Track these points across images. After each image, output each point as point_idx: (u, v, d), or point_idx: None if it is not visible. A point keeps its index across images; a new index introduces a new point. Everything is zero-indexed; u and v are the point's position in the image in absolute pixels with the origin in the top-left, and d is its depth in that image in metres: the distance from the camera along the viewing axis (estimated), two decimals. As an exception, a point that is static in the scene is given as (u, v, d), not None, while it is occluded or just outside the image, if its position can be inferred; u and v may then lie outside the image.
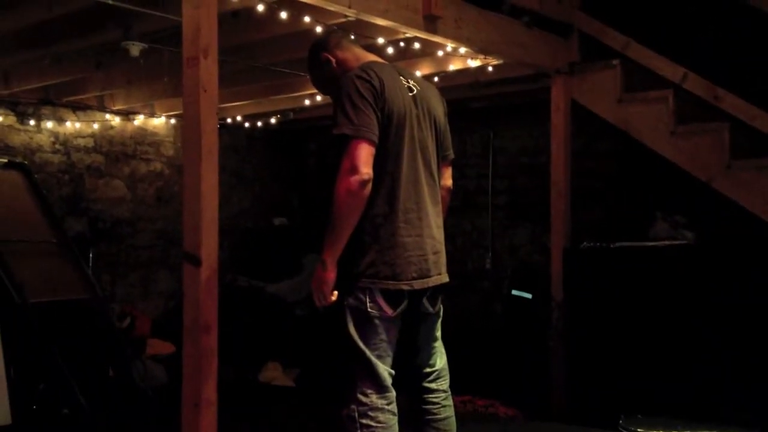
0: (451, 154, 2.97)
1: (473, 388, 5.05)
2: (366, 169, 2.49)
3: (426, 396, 2.85)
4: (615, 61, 4.74)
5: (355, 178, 2.47)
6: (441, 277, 2.79)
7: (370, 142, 2.53)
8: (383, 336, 2.65)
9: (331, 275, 2.58)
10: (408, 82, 2.78)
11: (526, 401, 4.99)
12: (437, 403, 2.85)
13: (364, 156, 2.50)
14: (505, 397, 5.07)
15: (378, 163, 2.60)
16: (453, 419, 2.88)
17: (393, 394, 2.67)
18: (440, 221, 2.83)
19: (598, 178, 5.73)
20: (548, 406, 4.85)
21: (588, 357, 4.64)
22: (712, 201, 4.43)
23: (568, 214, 4.97)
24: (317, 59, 2.91)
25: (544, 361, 4.94)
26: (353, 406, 2.62)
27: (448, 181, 2.99)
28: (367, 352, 2.63)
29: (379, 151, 2.60)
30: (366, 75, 2.62)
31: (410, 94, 2.74)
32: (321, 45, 2.93)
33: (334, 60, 2.87)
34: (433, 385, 2.86)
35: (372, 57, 2.89)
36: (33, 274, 4.82)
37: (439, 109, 2.88)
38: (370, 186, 2.52)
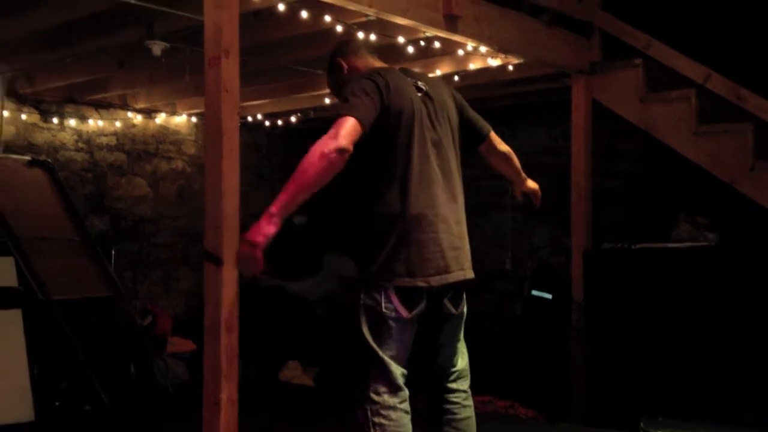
0: (486, 130, 3.08)
1: (493, 388, 5.04)
2: (346, 141, 2.47)
3: (447, 396, 2.85)
4: (637, 61, 4.70)
5: (333, 144, 2.45)
6: (464, 272, 2.77)
7: (359, 121, 2.53)
8: (397, 337, 2.65)
9: (272, 229, 2.50)
10: (417, 83, 2.80)
11: (546, 402, 4.97)
12: (457, 403, 2.84)
13: (349, 129, 2.50)
14: (525, 398, 5.05)
15: (388, 164, 2.64)
16: (473, 419, 2.88)
17: (406, 393, 2.68)
18: (460, 217, 2.83)
19: (620, 178, 5.69)
20: (568, 407, 4.83)
21: (609, 358, 4.61)
22: (735, 202, 4.39)
23: (589, 215, 4.95)
24: (333, 63, 2.98)
25: (565, 362, 4.91)
26: (366, 405, 2.63)
27: (502, 146, 3.17)
28: (380, 352, 2.63)
29: (389, 151, 2.64)
30: (371, 77, 2.67)
31: (419, 94, 2.76)
32: (338, 50, 3.00)
33: (346, 67, 2.93)
34: (453, 385, 2.86)
35: (382, 65, 2.93)
36: (56, 271, 4.87)
37: (450, 103, 2.89)
38: (344, 158, 2.48)
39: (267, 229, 2.50)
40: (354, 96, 2.59)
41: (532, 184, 3.35)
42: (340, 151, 2.46)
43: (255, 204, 7.40)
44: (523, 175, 3.31)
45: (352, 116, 2.52)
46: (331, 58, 3.00)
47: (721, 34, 4.72)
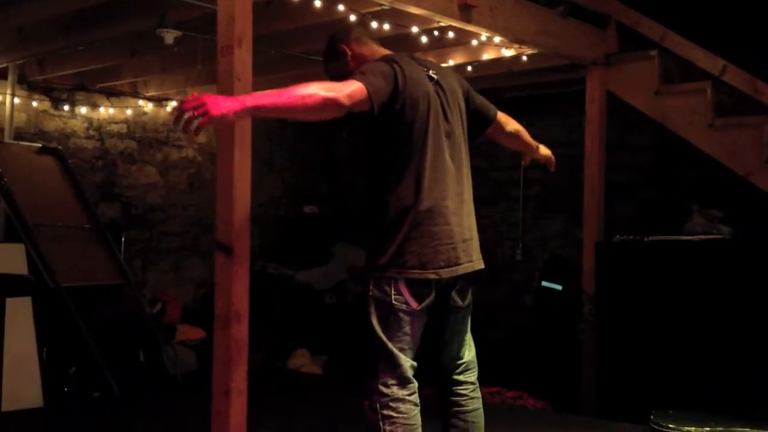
0: (494, 112, 3.01)
1: (502, 379, 5.03)
2: (349, 102, 2.41)
3: (454, 388, 2.83)
4: (652, 52, 4.66)
5: (340, 95, 2.39)
6: (473, 264, 2.75)
7: (370, 95, 2.47)
8: (407, 329, 2.62)
9: (232, 118, 2.30)
10: (428, 71, 2.77)
11: (556, 394, 4.96)
12: (465, 395, 2.83)
13: (357, 94, 2.44)
14: (534, 389, 5.04)
15: (403, 155, 2.60)
16: (481, 411, 2.87)
17: (415, 385, 2.66)
18: (470, 208, 2.81)
19: (633, 170, 5.65)
20: (577, 399, 4.82)
21: (619, 351, 4.59)
22: (749, 195, 4.36)
23: (602, 208, 4.92)
24: (334, 50, 2.89)
25: (574, 353, 4.90)
26: (375, 397, 2.62)
27: (512, 124, 3.09)
28: (389, 344, 2.61)
29: (404, 143, 2.60)
30: (389, 63, 2.62)
31: (431, 83, 2.73)
32: (340, 36, 2.90)
33: (350, 53, 2.84)
34: (461, 377, 2.84)
35: (389, 52, 2.88)
36: (66, 258, 4.89)
37: (459, 92, 2.86)
38: (336, 114, 2.43)
39: (230, 113, 2.27)
40: (372, 74, 2.53)
41: (545, 150, 3.30)
42: (340, 106, 2.40)
43: (265, 193, 7.46)
44: (535, 144, 3.26)
45: (365, 87, 2.47)
46: (332, 43, 2.90)
47: (738, 25, 4.67)
